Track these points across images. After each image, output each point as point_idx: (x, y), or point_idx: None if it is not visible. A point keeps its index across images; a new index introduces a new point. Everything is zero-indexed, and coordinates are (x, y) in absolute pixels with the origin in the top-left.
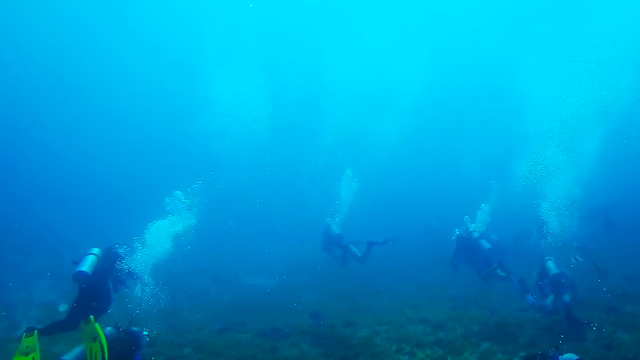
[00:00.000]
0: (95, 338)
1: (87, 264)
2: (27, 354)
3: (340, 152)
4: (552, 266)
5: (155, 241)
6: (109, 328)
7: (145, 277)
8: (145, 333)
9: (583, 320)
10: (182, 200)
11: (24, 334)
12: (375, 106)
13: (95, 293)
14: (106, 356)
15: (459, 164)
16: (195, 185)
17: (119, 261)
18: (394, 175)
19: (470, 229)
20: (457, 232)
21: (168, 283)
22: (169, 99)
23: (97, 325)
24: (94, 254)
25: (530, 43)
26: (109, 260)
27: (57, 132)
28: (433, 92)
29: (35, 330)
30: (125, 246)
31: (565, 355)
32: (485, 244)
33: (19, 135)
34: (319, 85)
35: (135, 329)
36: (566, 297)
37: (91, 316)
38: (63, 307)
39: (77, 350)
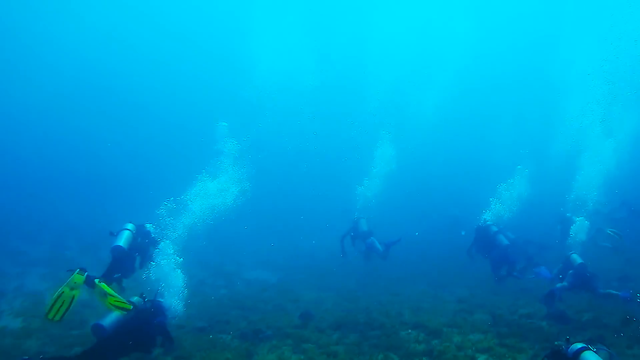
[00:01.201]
0: (105, 295)
1: (123, 239)
2: (72, 289)
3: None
4: (577, 257)
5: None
6: (135, 297)
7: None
8: (167, 305)
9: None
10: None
11: (78, 270)
12: (417, 79)
13: (123, 265)
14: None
15: (491, 148)
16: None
17: (150, 239)
18: (429, 154)
19: (489, 222)
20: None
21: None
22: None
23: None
24: (129, 229)
25: (573, 21)
26: (140, 237)
27: (72, 116)
28: (473, 68)
29: (86, 273)
30: (155, 225)
31: (575, 345)
32: (503, 240)
33: (30, 119)
34: (362, 56)
35: (160, 299)
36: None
37: (96, 280)
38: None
39: (111, 315)
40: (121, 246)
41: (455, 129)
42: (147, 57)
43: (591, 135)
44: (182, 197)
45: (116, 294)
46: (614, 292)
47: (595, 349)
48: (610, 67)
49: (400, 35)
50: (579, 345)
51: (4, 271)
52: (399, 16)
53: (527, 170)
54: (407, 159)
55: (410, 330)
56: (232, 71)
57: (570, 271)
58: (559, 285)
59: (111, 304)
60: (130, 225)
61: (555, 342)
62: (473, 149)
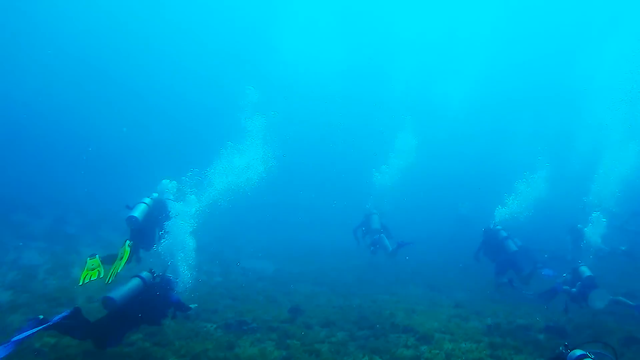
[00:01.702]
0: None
1: (139, 210)
2: (92, 269)
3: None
4: (585, 270)
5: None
6: (145, 272)
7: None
8: (178, 280)
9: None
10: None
11: (89, 257)
12: (445, 73)
13: (142, 236)
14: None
15: (510, 147)
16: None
17: (166, 212)
18: (448, 148)
19: (499, 227)
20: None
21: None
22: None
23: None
24: (145, 202)
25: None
26: (158, 210)
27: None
28: (498, 65)
29: (97, 255)
30: (173, 199)
31: (575, 352)
32: (512, 246)
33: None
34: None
35: (169, 275)
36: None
37: (97, 256)
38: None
39: (121, 287)
40: (135, 217)
41: (477, 124)
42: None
43: (613, 136)
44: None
45: (121, 264)
46: (626, 300)
47: (593, 356)
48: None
49: (430, 28)
50: (578, 352)
51: (4, 243)
52: (429, 9)
53: (544, 171)
54: (426, 151)
55: (400, 334)
56: (260, 53)
57: (579, 282)
58: (565, 287)
59: (114, 269)
60: (147, 199)
61: (556, 350)
62: (492, 147)
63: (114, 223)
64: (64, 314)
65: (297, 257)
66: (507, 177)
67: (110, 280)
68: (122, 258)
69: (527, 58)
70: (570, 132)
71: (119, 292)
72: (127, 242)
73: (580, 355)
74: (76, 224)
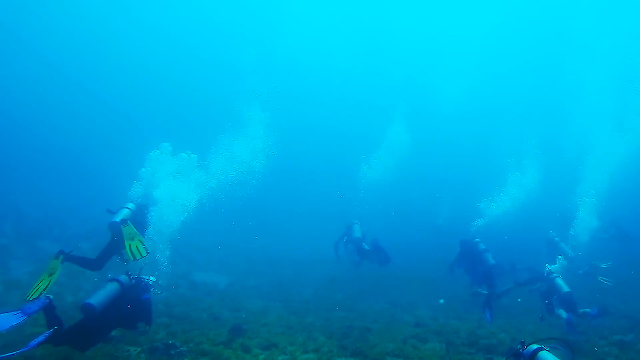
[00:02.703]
0: (133, 237)
1: (121, 216)
2: (50, 275)
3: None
4: (562, 284)
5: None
6: (123, 276)
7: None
8: (152, 279)
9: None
10: None
11: (54, 257)
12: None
13: (122, 242)
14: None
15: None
16: None
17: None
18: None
19: (477, 240)
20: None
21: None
22: None
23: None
24: (128, 208)
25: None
26: (141, 215)
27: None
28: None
29: (62, 256)
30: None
31: (531, 346)
32: (490, 259)
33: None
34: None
35: (144, 277)
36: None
37: (128, 221)
38: None
39: (100, 292)
40: (117, 222)
41: (464, 128)
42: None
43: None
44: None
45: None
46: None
47: (548, 348)
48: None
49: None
50: (534, 346)
51: None
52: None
53: (526, 177)
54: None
55: (348, 358)
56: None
57: (555, 296)
58: (565, 316)
59: (134, 247)
60: (130, 205)
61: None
62: (476, 151)
63: (58, 231)
64: (44, 335)
65: (254, 269)
66: (487, 183)
67: (31, 297)
68: (52, 274)
69: (520, 61)
70: (558, 137)
71: (98, 298)
72: (61, 256)
73: (536, 349)
74: (11, 235)
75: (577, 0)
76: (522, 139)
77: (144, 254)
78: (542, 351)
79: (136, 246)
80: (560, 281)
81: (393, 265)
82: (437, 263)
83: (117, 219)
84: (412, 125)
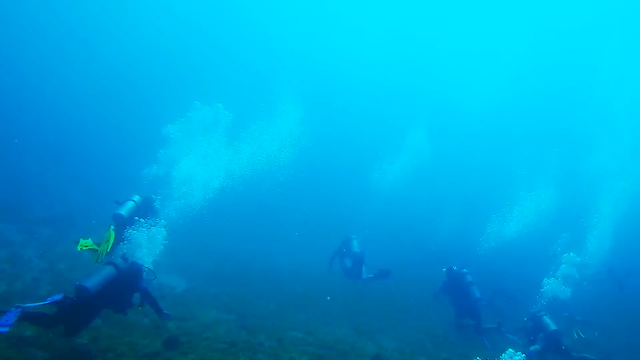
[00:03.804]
0: (107, 242)
1: (126, 209)
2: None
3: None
4: (550, 322)
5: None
6: (118, 259)
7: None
8: (146, 267)
9: None
10: None
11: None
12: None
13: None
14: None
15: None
16: None
17: (153, 210)
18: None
19: (465, 270)
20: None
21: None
22: None
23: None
24: (134, 200)
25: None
26: (144, 208)
27: None
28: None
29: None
30: (160, 198)
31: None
32: (476, 293)
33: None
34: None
35: (139, 261)
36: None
37: (112, 226)
38: None
39: (95, 275)
40: (121, 214)
41: (485, 143)
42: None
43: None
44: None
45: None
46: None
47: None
48: None
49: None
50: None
51: None
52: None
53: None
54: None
55: None
56: None
57: (541, 334)
58: (532, 348)
59: (102, 250)
60: (136, 197)
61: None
62: (492, 169)
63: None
64: (56, 297)
65: (220, 275)
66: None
67: (100, 260)
68: (108, 241)
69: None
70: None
71: (93, 281)
72: (111, 226)
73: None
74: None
75: (609, 23)
76: (540, 161)
77: (100, 260)
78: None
79: (104, 250)
80: (548, 319)
81: (371, 287)
82: (420, 290)
83: (122, 211)
84: (433, 135)
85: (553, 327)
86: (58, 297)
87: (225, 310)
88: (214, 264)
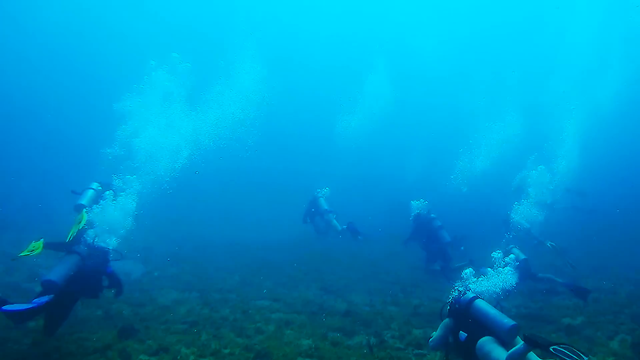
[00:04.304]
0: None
1: (86, 198)
2: (31, 251)
3: None
4: (518, 252)
5: None
6: (80, 246)
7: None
8: (110, 245)
9: None
10: None
11: (33, 241)
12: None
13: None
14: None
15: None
16: None
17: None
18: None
19: (433, 215)
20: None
21: None
22: None
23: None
24: (93, 188)
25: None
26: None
27: None
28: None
29: (42, 239)
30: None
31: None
32: (446, 237)
33: None
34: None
35: (102, 244)
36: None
37: (84, 210)
38: None
39: (59, 266)
40: (82, 204)
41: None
42: None
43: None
44: None
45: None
46: (555, 277)
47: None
48: None
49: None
50: (470, 295)
51: None
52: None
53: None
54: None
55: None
56: None
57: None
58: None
59: (72, 230)
60: (94, 184)
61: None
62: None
63: None
64: (45, 299)
65: (178, 255)
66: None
67: (69, 238)
68: (79, 222)
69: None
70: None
71: (57, 273)
72: (84, 209)
73: (472, 297)
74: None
75: None
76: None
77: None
78: (478, 299)
79: (73, 231)
80: (516, 250)
81: (340, 246)
82: (388, 241)
83: (83, 201)
84: (394, 81)
85: (522, 256)
86: (45, 299)
87: (186, 289)
88: (173, 246)
